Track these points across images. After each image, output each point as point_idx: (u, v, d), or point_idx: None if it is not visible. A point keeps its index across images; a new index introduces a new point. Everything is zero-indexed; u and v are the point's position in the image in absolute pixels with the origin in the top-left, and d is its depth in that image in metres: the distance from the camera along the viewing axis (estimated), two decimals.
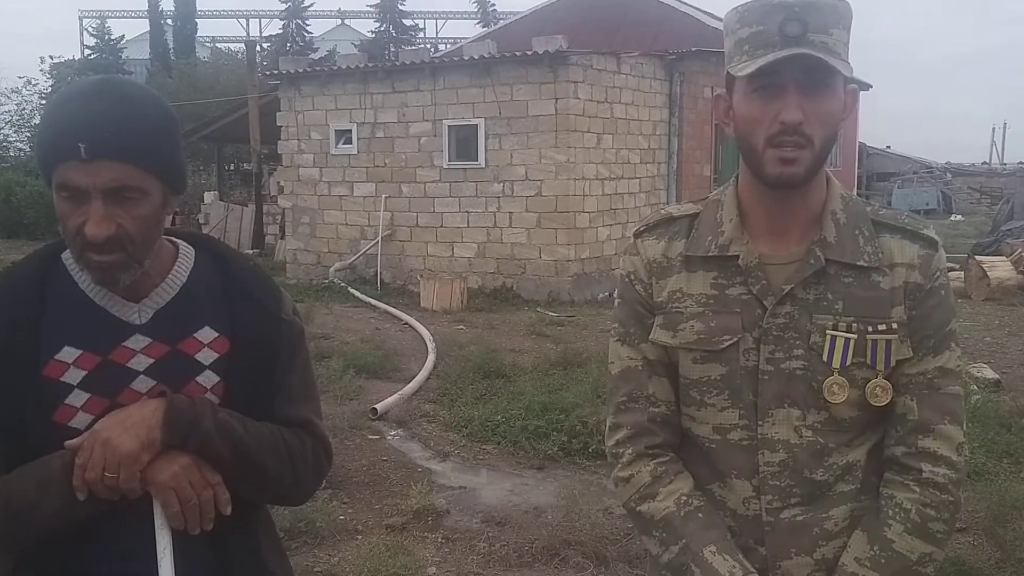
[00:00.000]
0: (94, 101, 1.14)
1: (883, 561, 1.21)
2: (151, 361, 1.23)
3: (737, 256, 1.26)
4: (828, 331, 1.22)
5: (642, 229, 1.36)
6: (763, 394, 1.24)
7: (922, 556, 1.22)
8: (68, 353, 1.20)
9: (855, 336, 1.22)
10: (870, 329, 1.22)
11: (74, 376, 1.19)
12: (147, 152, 1.15)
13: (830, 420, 1.24)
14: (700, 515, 1.26)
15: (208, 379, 1.26)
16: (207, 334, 1.27)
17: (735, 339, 1.25)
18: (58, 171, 1.13)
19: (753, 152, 1.20)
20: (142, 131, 1.15)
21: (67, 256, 1.25)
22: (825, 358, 1.22)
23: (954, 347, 1.26)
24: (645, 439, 1.32)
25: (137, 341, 1.22)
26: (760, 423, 1.25)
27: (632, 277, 1.34)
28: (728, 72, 1.22)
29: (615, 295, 1.40)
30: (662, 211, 1.37)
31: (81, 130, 1.12)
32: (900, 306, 1.23)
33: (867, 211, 1.28)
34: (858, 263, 1.23)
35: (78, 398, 1.19)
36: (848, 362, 1.22)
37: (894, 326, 1.22)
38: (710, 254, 1.28)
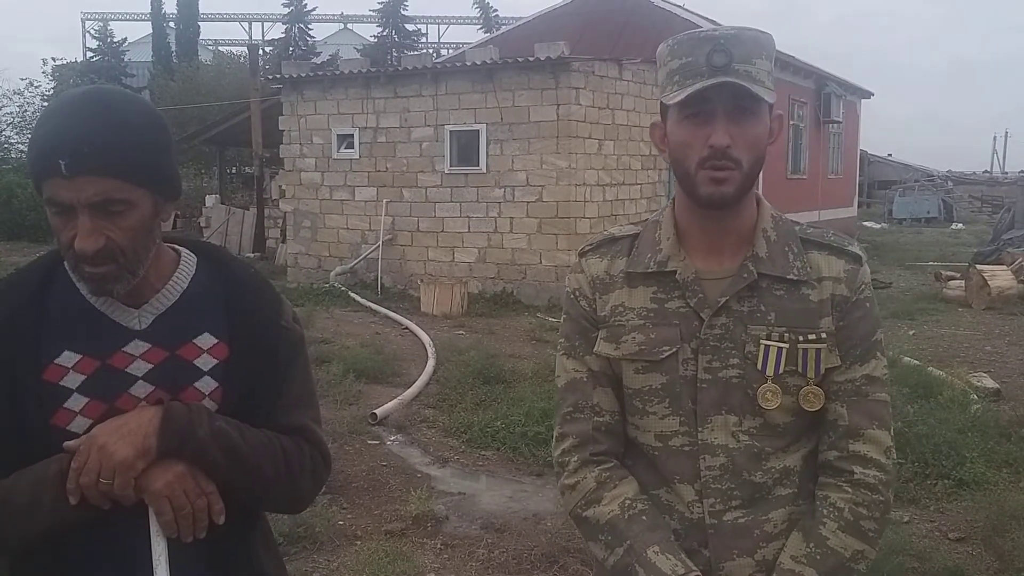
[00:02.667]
0: (75, 116, 1.14)
1: (818, 558, 1.27)
2: (150, 366, 1.23)
3: (675, 271, 1.33)
4: (762, 341, 1.29)
5: (586, 249, 1.43)
6: (702, 401, 1.31)
7: (855, 553, 1.28)
8: (67, 358, 1.20)
9: (787, 345, 1.29)
10: (801, 339, 1.29)
11: (73, 380, 1.20)
12: (130, 164, 1.15)
13: (765, 425, 1.31)
14: (644, 518, 1.31)
15: (206, 385, 1.26)
16: (206, 340, 1.27)
17: (674, 349, 1.32)
18: (44, 187, 1.15)
19: (687, 175, 1.27)
20: (124, 144, 1.14)
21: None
22: (759, 367, 1.29)
23: (880, 356, 1.34)
24: (590, 447, 1.37)
25: (136, 346, 1.23)
26: (700, 429, 1.31)
27: (577, 293, 1.41)
28: (662, 101, 1.30)
29: (563, 311, 1.46)
30: (605, 232, 1.46)
31: (61, 147, 1.12)
32: (828, 317, 1.31)
33: (795, 230, 1.36)
34: (788, 277, 1.31)
35: (77, 402, 1.20)
36: (781, 370, 1.29)
37: (823, 336, 1.30)
38: (650, 270, 1.35)
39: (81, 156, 1.12)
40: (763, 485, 1.31)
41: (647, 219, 1.43)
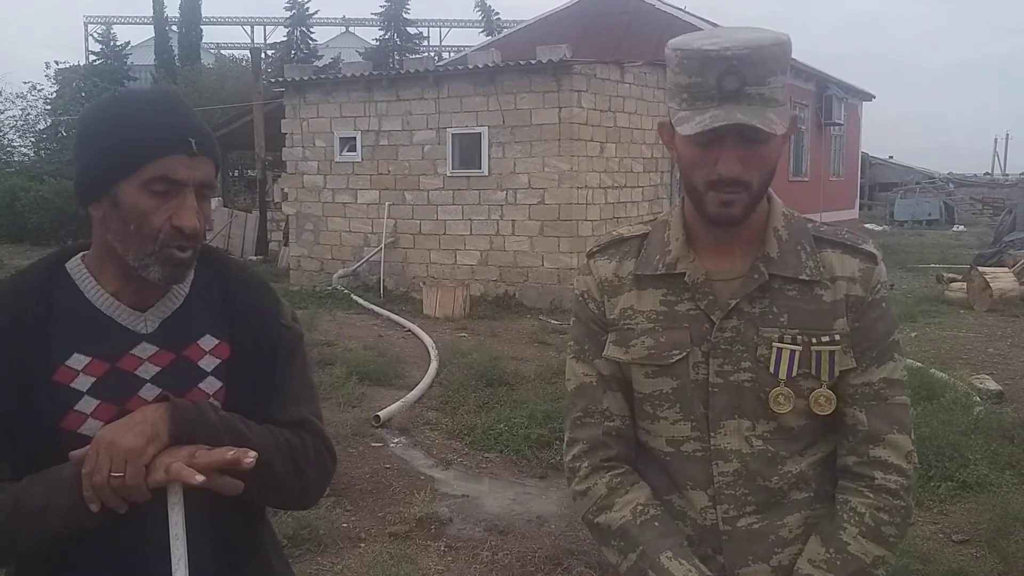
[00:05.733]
0: (178, 105, 1.23)
1: (838, 563, 1.24)
2: (158, 369, 1.24)
3: (684, 273, 1.30)
4: (774, 343, 1.26)
5: (595, 250, 1.41)
6: (714, 406, 1.28)
7: (876, 559, 1.25)
8: (77, 360, 1.21)
9: (800, 348, 1.26)
10: (814, 341, 1.26)
11: (83, 383, 1.20)
12: (218, 156, 1.26)
13: (779, 429, 1.28)
14: (656, 524, 1.29)
15: (211, 385, 1.27)
16: (208, 341, 1.28)
17: (684, 353, 1.29)
18: (157, 164, 1.17)
19: (694, 191, 1.25)
20: (213, 135, 1.25)
21: (71, 265, 1.27)
22: (772, 370, 1.26)
23: (897, 357, 1.30)
24: (601, 452, 1.35)
25: (144, 349, 1.24)
26: (712, 434, 1.29)
27: (586, 296, 1.39)
28: (669, 108, 1.26)
29: (572, 314, 1.44)
30: (613, 232, 1.43)
31: (189, 127, 1.20)
32: (842, 318, 1.27)
33: (808, 227, 1.32)
34: (801, 277, 1.27)
35: (88, 404, 1.20)
36: (794, 373, 1.26)
37: (837, 337, 1.26)
38: (658, 272, 1.32)
39: (203, 137, 1.21)
40: (778, 490, 1.28)
41: (656, 218, 1.40)
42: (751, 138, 1.19)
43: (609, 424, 1.36)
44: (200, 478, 1.14)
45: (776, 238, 1.29)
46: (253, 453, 1.18)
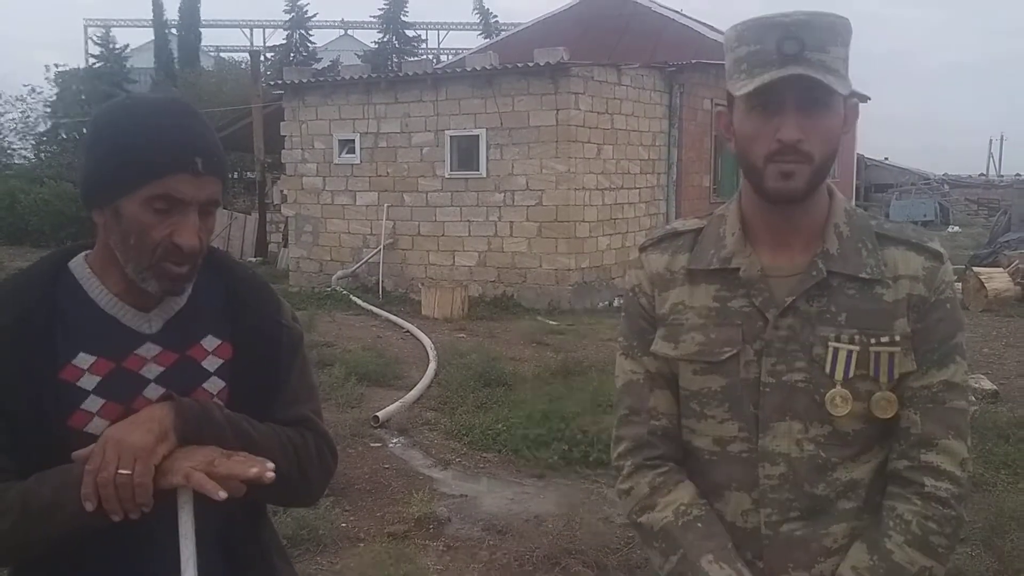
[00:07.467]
0: (189, 119, 1.21)
1: (881, 571, 1.20)
2: (162, 369, 1.25)
3: (739, 268, 1.26)
4: (831, 343, 1.21)
5: (648, 243, 1.38)
6: (764, 407, 1.24)
7: (922, 569, 1.20)
8: (83, 359, 1.21)
9: (858, 348, 1.21)
10: (873, 341, 1.21)
11: (89, 382, 1.21)
12: (226, 172, 1.25)
13: (833, 434, 1.23)
14: (699, 525, 1.26)
15: (214, 385, 1.29)
16: (211, 342, 1.29)
17: (735, 351, 1.25)
18: (161, 182, 1.17)
19: (753, 168, 1.20)
20: (223, 152, 1.24)
21: (74, 265, 1.28)
22: (827, 370, 1.21)
23: (960, 360, 1.25)
24: (645, 451, 1.33)
25: (148, 349, 1.25)
26: (761, 436, 1.25)
27: (637, 290, 1.36)
28: (728, 91, 1.22)
29: (622, 308, 1.42)
30: (668, 226, 1.39)
31: (196, 145, 1.18)
32: (903, 318, 1.22)
33: (871, 224, 1.28)
34: (861, 275, 1.23)
35: (94, 403, 1.21)
36: (851, 374, 1.21)
37: (897, 339, 1.22)
38: (712, 267, 1.28)
39: (211, 156, 1.20)
40: (824, 498, 1.24)
41: (712, 213, 1.35)
42: (813, 103, 1.16)
43: (655, 423, 1.33)
44: (223, 495, 1.14)
45: (836, 235, 1.25)
46: (271, 465, 1.18)
